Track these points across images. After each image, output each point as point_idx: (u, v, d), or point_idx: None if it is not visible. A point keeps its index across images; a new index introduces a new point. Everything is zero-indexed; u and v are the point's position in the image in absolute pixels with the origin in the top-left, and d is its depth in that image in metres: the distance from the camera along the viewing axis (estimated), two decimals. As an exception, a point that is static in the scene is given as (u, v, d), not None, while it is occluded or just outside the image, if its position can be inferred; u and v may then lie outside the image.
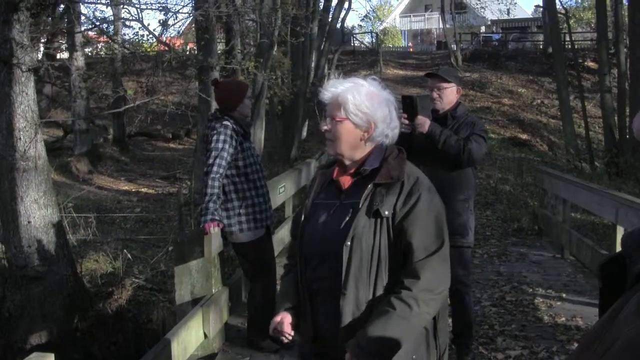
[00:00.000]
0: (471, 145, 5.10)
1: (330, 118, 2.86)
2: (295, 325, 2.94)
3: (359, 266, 2.70)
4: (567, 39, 28.81)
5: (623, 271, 1.42)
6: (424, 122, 5.06)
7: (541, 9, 36.56)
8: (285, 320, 2.94)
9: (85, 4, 17.63)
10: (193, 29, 18.93)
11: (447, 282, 2.77)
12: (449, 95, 5.36)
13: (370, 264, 2.71)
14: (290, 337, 2.94)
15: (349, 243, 2.70)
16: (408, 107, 5.01)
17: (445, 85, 5.34)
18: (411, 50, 50.50)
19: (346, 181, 2.89)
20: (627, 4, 23.32)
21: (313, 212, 2.92)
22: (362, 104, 2.79)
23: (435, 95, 5.36)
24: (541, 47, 39.68)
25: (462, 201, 5.26)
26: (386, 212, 2.71)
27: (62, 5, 12.42)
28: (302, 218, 2.95)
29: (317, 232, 2.85)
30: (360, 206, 2.75)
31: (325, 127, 2.87)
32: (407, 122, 4.91)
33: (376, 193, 2.75)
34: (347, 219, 2.77)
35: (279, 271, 6.12)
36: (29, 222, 7.77)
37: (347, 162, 2.89)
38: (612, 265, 1.47)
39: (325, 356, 2.86)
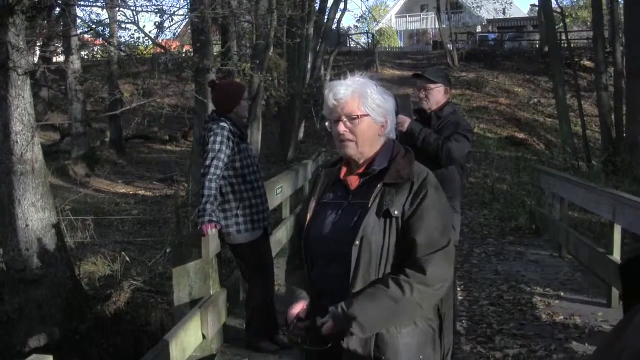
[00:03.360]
0: (450, 145, 5.18)
1: (346, 117, 2.81)
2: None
3: (367, 266, 2.68)
4: (563, 37, 28.86)
5: None
6: (404, 121, 5.15)
7: (537, 8, 36.55)
8: (301, 308, 2.81)
9: (81, 7, 17.62)
10: (189, 31, 18.92)
11: (448, 279, 2.75)
12: (436, 95, 5.44)
13: (379, 264, 2.69)
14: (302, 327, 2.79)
15: (357, 243, 2.68)
16: None
17: (431, 85, 5.42)
18: (404, 48, 50.59)
19: (354, 181, 2.87)
20: (622, 2, 23.34)
21: (319, 212, 2.89)
22: (378, 99, 2.80)
23: (422, 95, 5.45)
24: (537, 46, 39.73)
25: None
26: (396, 212, 2.69)
27: (57, 9, 12.43)
28: (307, 217, 2.92)
29: (325, 232, 2.82)
30: (369, 206, 2.73)
31: (342, 128, 2.81)
32: None
33: (385, 193, 2.73)
34: (356, 218, 2.74)
35: (277, 272, 6.14)
36: (26, 225, 7.77)
37: (360, 161, 2.87)
38: (634, 265, 1.44)
39: (329, 356, 2.82)
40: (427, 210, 2.70)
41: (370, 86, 2.82)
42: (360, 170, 2.88)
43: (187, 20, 15.18)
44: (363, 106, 2.79)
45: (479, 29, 51.07)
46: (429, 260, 2.65)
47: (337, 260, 2.74)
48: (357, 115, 2.79)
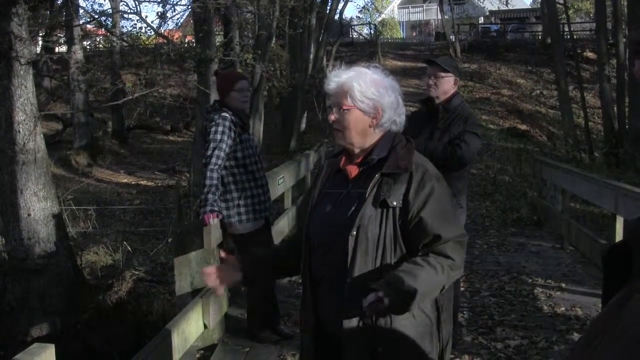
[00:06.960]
0: (461, 152, 5.12)
1: (337, 108, 2.85)
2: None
3: (364, 256, 2.69)
4: (566, 29, 28.77)
5: (628, 259, 1.40)
6: None
7: (540, 0, 36.44)
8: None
9: (84, -3, 17.61)
10: (191, 21, 18.89)
11: (462, 268, 2.81)
12: (445, 84, 5.39)
13: (376, 254, 2.70)
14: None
15: (354, 232, 2.68)
16: None
17: (442, 74, 5.38)
18: (414, 40, 50.60)
19: (353, 170, 2.88)
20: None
21: (319, 201, 2.91)
22: (368, 91, 2.79)
23: (431, 82, 5.40)
24: (540, 37, 39.66)
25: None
26: (394, 203, 2.69)
27: (60, -2, 12.42)
28: (308, 207, 2.94)
29: (323, 222, 2.84)
30: (367, 196, 2.73)
31: (332, 118, 2.86)
32: None
33: (383, 183, 2.74)
34: (354, 208, 2.75)
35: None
36: (28, 214, 7.77)
37: (357, 151, 2.88)
38: (616, 253, 1.44)
39: (327, 346, 2.84)
40: (438, 204, 2.72)
41: (361, 78, 2.82)
42: (359, 160, 2.89)
43: (189, 10, 15.15)
44: (349, 98, 2.81)
45: (481, 20, 51.02)
46: (452, 248, 2.71)
47: (335, 249, 2.75)
48: (344, 107, 2.82)
